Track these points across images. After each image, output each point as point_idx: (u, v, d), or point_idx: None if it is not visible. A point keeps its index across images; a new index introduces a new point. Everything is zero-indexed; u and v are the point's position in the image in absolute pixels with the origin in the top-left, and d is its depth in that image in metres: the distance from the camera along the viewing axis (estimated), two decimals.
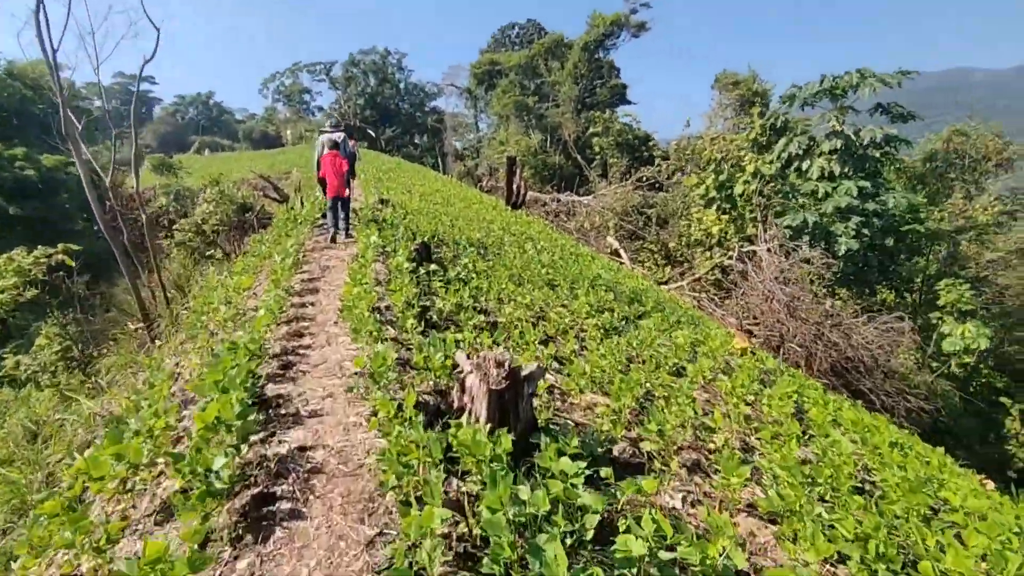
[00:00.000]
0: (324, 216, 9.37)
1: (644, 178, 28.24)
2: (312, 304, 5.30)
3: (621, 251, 22.12)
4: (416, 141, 61.58)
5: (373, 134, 53.12)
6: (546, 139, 42.66)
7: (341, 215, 8.38)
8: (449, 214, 13.41)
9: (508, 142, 40.65)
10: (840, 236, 16.79)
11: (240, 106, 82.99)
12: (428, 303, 5.56)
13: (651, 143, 35.64)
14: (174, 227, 15.90)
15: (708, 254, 20.25)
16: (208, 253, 14.22)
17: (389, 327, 4.63)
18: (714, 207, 20.35)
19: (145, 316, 11.50)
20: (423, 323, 4.89)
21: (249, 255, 8.40)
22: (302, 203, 11.89)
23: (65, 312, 11.18)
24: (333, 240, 8.33)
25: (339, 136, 8.46)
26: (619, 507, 2.75)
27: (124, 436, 2.90)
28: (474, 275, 7.22)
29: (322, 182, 8.28)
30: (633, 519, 2.69)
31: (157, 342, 9.56)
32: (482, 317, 5.55)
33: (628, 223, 25.46)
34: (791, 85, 19.74)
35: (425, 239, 8.18)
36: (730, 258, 18.01)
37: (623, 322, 7.31)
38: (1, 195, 19.67)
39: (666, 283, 19.96)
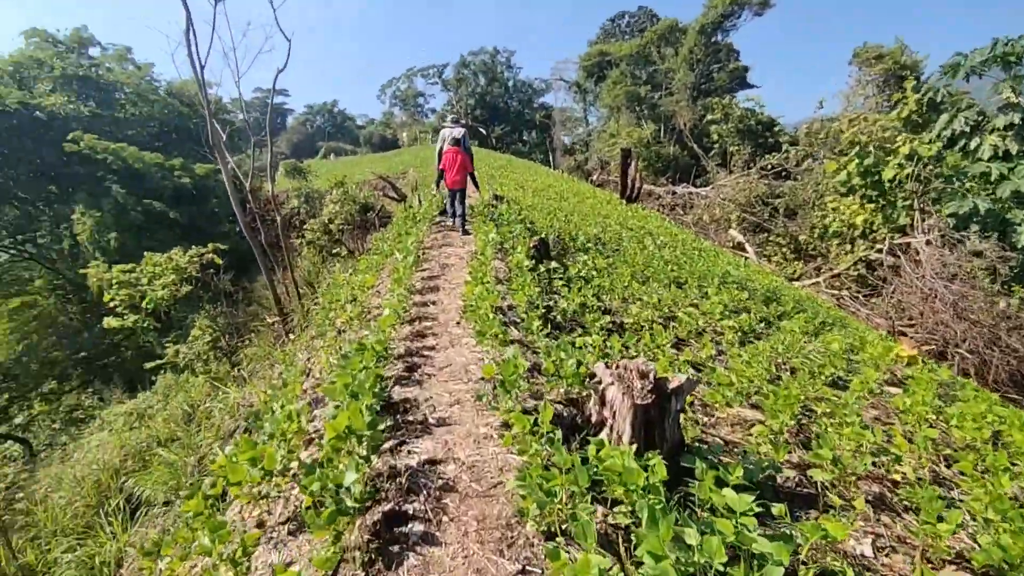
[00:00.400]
0: (443, 213, 9.90)
1: (769, 166, 26.07)
2: (433, 303, 5.20)
3: (746, 245, 20.54)
4: (525, 138, 61.91)
5: (484, 132, 54.12)
6: (659, 129, 40.88)
7: (459, 209, 8.69)
8: (563, 209, 13.09)
9: (619, 134, 39.39)
10: (1019, 225, 14.28)
11: (360, 112, 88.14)
12: (551, 303, 5.28)
13: (776, 128, 32.88)
14: (304, 227, 17.06)
15: (848, 247, 18.14)
16: (334, 251, 15.06)
17: (513, 328, 4.40)
18: (856, 195, 18.19)
19: (280, 310, 12.35)
20: (547, 324, 4.60)
21: (372, 253, 8.63)
22: (420, 201, 12.13)
23: (214, 306, 12.31)
24: (454, 226, 8.90)
25: (459, 132, 8.59)
26: (802, 556, 2.27)
27: (259, 438, 2.88)
28: (594, 273, 6.85)
29: (441, 173, 8.70)
30: (818, 572, 2.22)
31: (291, 335, 10.18)
32: (607, 318, 5.18)
33: (752, 215, 23.59)
34: (954, 53, 17.14)
35: (542, 235, 7.93)
36: (878, 251, 15.98)
37: (762, 324, 6.58)
38: (163, 201, 22.29)
39: (798, 279, 18.22)
